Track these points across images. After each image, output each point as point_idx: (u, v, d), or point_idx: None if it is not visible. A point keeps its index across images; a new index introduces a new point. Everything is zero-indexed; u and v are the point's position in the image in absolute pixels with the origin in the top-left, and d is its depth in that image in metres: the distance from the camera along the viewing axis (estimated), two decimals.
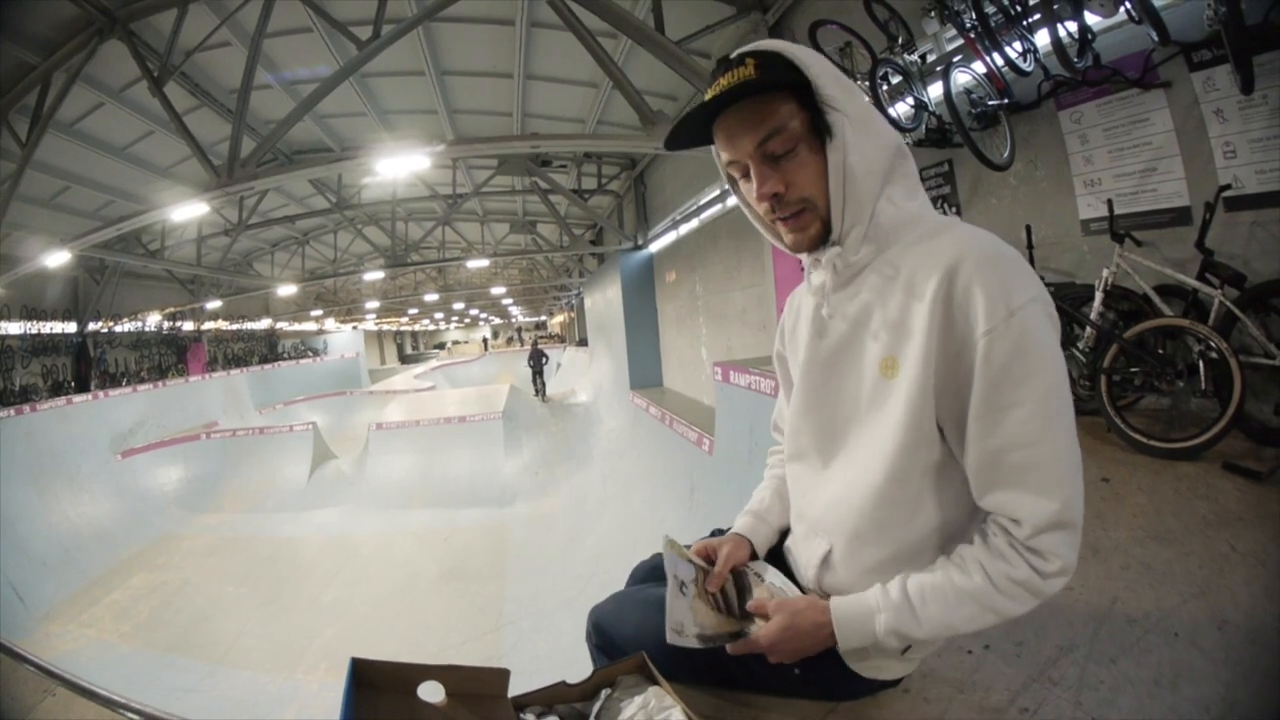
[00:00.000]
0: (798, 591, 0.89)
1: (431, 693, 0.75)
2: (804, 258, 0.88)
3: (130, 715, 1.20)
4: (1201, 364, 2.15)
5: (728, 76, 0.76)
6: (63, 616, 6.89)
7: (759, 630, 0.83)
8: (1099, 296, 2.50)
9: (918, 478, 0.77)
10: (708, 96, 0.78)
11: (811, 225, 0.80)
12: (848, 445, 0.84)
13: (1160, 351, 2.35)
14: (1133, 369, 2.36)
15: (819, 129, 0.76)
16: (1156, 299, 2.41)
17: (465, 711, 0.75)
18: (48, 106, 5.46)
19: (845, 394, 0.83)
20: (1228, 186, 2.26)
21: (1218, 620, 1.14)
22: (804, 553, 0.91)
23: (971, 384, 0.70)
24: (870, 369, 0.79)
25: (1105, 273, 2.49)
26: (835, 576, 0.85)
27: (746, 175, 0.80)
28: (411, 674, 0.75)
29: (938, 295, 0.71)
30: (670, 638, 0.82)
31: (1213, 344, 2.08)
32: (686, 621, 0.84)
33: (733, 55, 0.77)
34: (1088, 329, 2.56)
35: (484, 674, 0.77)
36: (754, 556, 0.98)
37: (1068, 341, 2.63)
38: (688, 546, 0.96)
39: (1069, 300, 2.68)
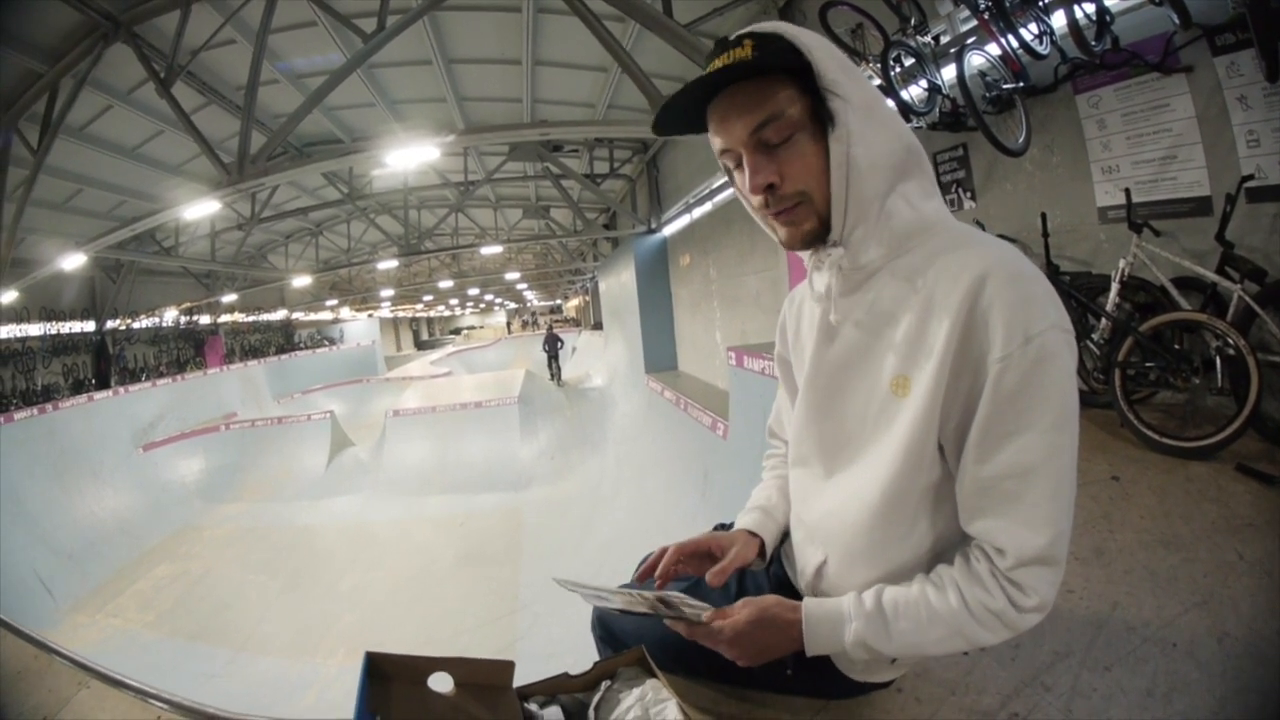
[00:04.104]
0: None
1: (441, 683, 0.78)
2: (806, 257, 0.84)
3: (161, 705, 1.24)
4: (1218, 360, 2.10)
5: (723, 58, 0.71)
6: (89, 608, 7.11)
7: (724, 623, 0.79)
8: (1115, 287, 2.45)
9: (915, 499, 0.76)
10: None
11: (806, 221, 0.75)
12: (851, 459, 0.82)
13: (1177, 346, 2.30)
14: (1148, 363, 2.30)
15: (820, 117, 0.71)
16: (1174, 291, 2.35)
17: (472, 701, 0.78)
18: (57, 112, 5.50)
19: (853, 406, 0.81)
20: (1250, 177, 2.18)
21: (1218, 632, 1.12)
22: (801, 558, 0.92)
23: (977, 409, 0.68)
24: (882, 384, 0.76)
25: (1122, 263, 2.43)
26: (831, 586, 0.85)
27: (740, 165, 0.76)
28: (422, 665, 0.78)
29: (959, 316, 0.68)
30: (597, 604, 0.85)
31: (1230, 340, 2.03)
32: (612, 599, 0.85)
33: (730, 37, 0.72)
34: (1103, 320, 2.52)
35: (490, 665, 0.79)
36: (762, 553, 0.97)
37: (1083, 333, 2.58)
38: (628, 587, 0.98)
39: (1085, 290, 2.62)
